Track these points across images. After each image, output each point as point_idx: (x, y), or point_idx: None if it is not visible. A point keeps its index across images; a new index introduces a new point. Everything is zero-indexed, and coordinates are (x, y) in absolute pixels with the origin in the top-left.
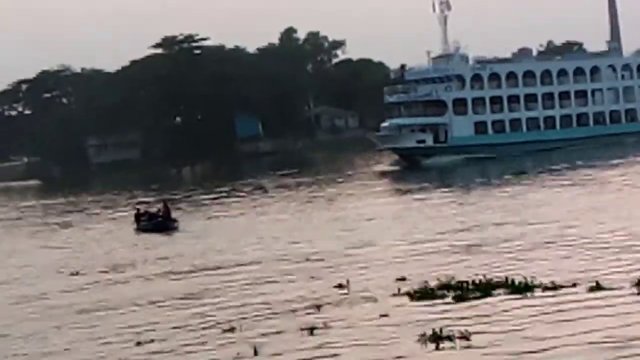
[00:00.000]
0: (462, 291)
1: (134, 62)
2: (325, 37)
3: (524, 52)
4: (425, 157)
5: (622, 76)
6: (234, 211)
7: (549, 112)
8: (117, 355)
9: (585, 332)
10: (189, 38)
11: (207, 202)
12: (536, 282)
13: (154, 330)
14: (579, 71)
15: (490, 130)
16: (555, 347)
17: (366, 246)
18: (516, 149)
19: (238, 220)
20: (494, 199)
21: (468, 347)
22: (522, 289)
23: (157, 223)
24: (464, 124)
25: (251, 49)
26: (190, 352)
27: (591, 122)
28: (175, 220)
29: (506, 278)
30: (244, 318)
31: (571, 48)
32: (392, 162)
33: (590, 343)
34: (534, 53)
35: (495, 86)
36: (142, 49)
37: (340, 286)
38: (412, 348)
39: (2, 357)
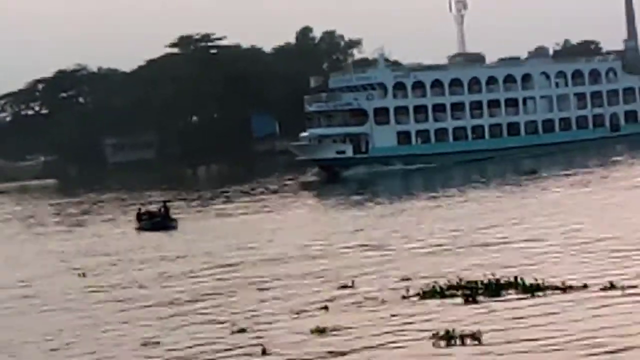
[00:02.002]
0: (472, 291)
1: (150, 62)
2: (342, 37)
3: (540, 51)
4: (345, 168)
5: (557, 84)
6: (239, 211)
7: (478, 121)
8: (121, 357)
9: (596, 331)
10: (206, 37)
11: (215, 201)
12: (547, 283)
13: (160, 331)
14: (509, 78)
15: (414, 141)
16: (566, 348)
17: (367, 248)
18: (442, 159)
19: (241, 221)
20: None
21: (480, 347)
22: (533, 289)
23: (156, 222)
24: (386, 134)
25: (267, 48)
26: (199, 353)
27: (523, 132)
28: (174, 220)
29: (515, 278)
30: (250, 319)
31: (588, 47)
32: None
33: (602, 344)
34: (550, 52)
35: (419, 94)
36: (159, 49)
37: (345, 287)
38: (425, 348)
39: None
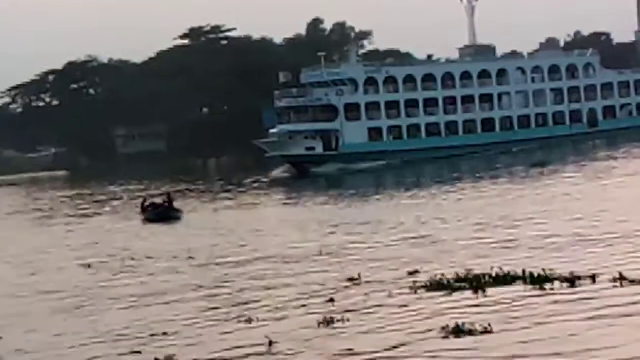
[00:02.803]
0: (480, 284)
1: (161, 54)
2: (352, 28)
3: (551, 43)
4: (315, 165)
5: (533, 79)
6: (246, 203)
7: (451, 117)
8: (129, 347)
9: (606, 323)
10: (216, 29)
11: (224, 193)
12: (555, 275)
13: (167, 322)
14: (484, 74)
15: (385, 137)
16: (574, 340)
17: (370, 241)
18: (414, 156)
19: (247, 213)
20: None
21: (489, 339)
22: (541, 281)
23: (160, 213)
24: (357, 130)
25: (278, 40)
26: (205, 342)
27: (498, 128)
28: (178, 211)
29: (523, 271)
30: (255, 311)
31: (599, 39)
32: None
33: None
34: (562, 44)
35: (392, 90)
36: (169, 40)
37: (352, 280)
38: (434, 341)
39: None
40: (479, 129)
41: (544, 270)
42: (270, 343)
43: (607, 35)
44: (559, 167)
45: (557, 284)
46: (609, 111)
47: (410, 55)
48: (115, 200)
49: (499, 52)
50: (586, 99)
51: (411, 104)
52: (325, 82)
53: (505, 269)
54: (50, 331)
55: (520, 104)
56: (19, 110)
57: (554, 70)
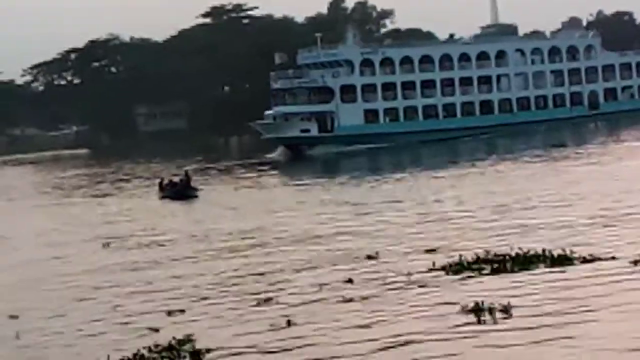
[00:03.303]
0: (499, 264)
1: (182, 32)
2: (374, 7)
3: (573, 22)
4: (311, 147)
5: (532, 61)
6: (265, 182)
7: (449, 99)
8: (147, 324)
9: (628, 303)
10: (238, 7)
11: (244, 172)
12: (575, 255)
13: (185, 300)
14: (483, 55)
15: (382, 119)
16: (597, 319)
17: (386, 221)
18: (411, 138)
19: (261, 192)
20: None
21: (509, 320)
22: (562, 261)
23: (177, 191)
24: (353, 112)
25: (299, 18)
26: (224, 323)
27: (496, 110)
28: (195, 189)
29: (543, 250)
30: (274, 291)
31: (622, 18)
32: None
33: (634, 312)
34: (584, 23)
35: (388, 72)
36: (191, 19)
37: (370, 257)
38: (454, 321)
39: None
40: (477, 111)
41: (564, 250)
42: (289, 323)
43: (630, 14)
44: (577, 148)
45: (577, 264)
46: (610, 93)
47: (432, 34)
48: (135, 179)
49: (521, 32)
50: (587, 81)
51: (408, 85)
52: (322, 63)
53: (525, 249)
54: (67, 311)
55: (519, 85)
56: (41, 88)
57: (554, 51)
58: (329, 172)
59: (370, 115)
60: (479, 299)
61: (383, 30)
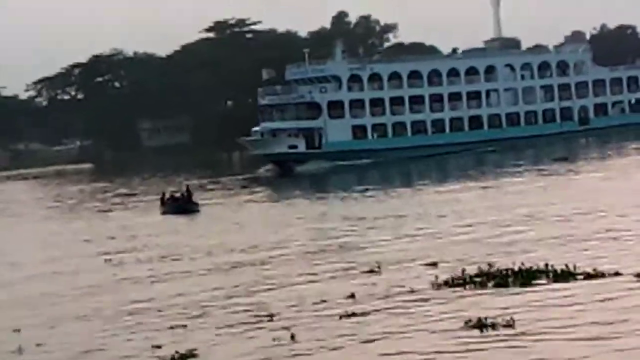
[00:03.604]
0: (502, 279)
1: (185, 47)
2: (377, 21)
3: (576, 36)
4: (299, 163)
5: (522, 76)
6: (265, 197)
7: (438, 115)
8: (149, 339)
9: (629, 319)
10: (241, 22)
11: (245, 187)
12: (578, 270)
13: (187, 315)
14: (472, 71)
15: (370, 135)
16: (602, 337)
17: (386, 235)
18: (399, 154)
19: (264, 207)
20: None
21: (513, 334)
22: (565, 276)
23: (179, 206)
24: (341, 128)
25: (303, 33)
26: (227, 338)
27: (485, 125)
28: (196, 204)
29: (546, 265)
30: (277, 305)
31: (625, 32)
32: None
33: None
34: (587, 37)
35: (377, 87)
36: (194, 34)
37: (371, 272)
38: (457, 336)
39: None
40: (466, 127)
41: (567, 265)
42: (292, 337)
43: (633, 28)
44: (580, 162)
45: (580, 279)
46: (601, 108)
47: (435, 48)
48: (137, 194)
49: (524, 45)
50: (577, 96)
51: (396, 101)
52: (310, 78)
53: (528, 264)
54: (68, 326)
55: (508, 101)
56: (45, 103)
57: (543, 66)
58: (320, 188)
59: (359, 131)
60: (482, 314)
61: (386, 44)
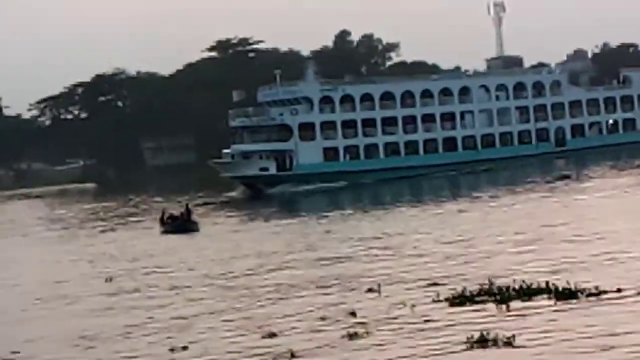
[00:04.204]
0: (503, 297)
1: (188, 66)
2: (380, 40)
3: (578, 54)
4: (269, 186)
5: (497, 97)
6: (267, 216)
7: (411, 137)
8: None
9: (632, 335)
10: (244, 41)
11: (248, 205)
12: (579, 288)
13: (188, 337)
14: (446, 92)
15: (342, 157)
16: (602, 357)
17: (383, 254)
18: (372, 176)
19: (265, 226)
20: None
21: (515, 352)
22: (566, 294)
23: (178, 225)
24: (312, 150)
25: (305, 52)
26: (228, 358)
27: (460, 147)
28: (195, 223)
29: (547, 283)
30: (277, 324)
31: (627, 49)
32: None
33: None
34: (589, 55)
35: (349, 109)
36: (197, 52)
37: (370, 290)
38: (460, 354)
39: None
40: (441, 149)
41: (568, 283)
42: (292, 355)
43: (635, 46)
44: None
45: (582, 297)
46: (578, 129)
47: (437, 66)
48: (139, 213)
49: (527, 63)
50: (553, 117)
51: (369, 123)
52: (281, 100)
53: (529, 282)
54: (68, 348)
55: (483, 122)
56: (48, 122)
57: (519, 87)
58: (293, 210)
59: (330, 153)
60: (484, 332)
61: (389, 63)
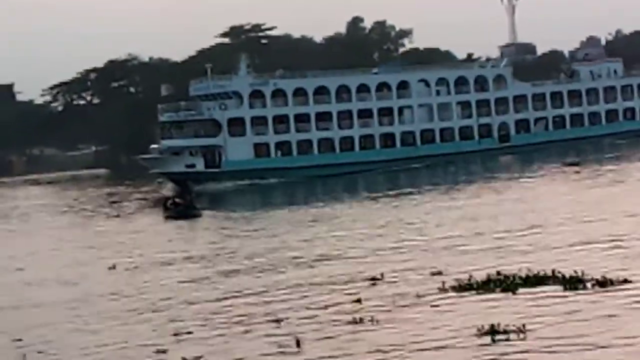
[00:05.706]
0: (509, 285)
1: (200, 52)
2: (392, 27)
3: (591, 42)
4: (197, 182)
5: (438, 92)
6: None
7: (347, 132)
8: (154, 345)
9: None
10: (256, 27)
11: (256, 190)
12: (587, 276)
13: (192, 321)
14: (384, 86)
15: (273, 153)
16: (612, 344)
17: (384, 245)
18: (305, 173)
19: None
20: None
21: (526, 342)
22: (573, 282)
23: (180, 211)
24: (242, 146)
25: (318, 38)
26: (233, 344)
27: (398, 143)
28: (196, 208)
29: (553, 271)
30: (282, 312)
31: None
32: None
33: None
34: (602, 42)
35: (281, 104)
36: (210, 39)
37: (374, 279)
38: (470, 343)
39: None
40: (378, 145)
41: (575, 272)
42: (298, 343)
43: None
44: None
45: (589, 286)
46: (522, 125)
47: (450, 53)
48: (147, 199)
49: (539, 51)
50: (497, 113)
51: (302, 118)
52: (212, 94)
53: (535, 270)
54: (72, 333)
55: (423, 118)
56: (60, 108)
57: (460, 82)
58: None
59: (261, 149)
60: (494, 321)
61: (401, 49)
